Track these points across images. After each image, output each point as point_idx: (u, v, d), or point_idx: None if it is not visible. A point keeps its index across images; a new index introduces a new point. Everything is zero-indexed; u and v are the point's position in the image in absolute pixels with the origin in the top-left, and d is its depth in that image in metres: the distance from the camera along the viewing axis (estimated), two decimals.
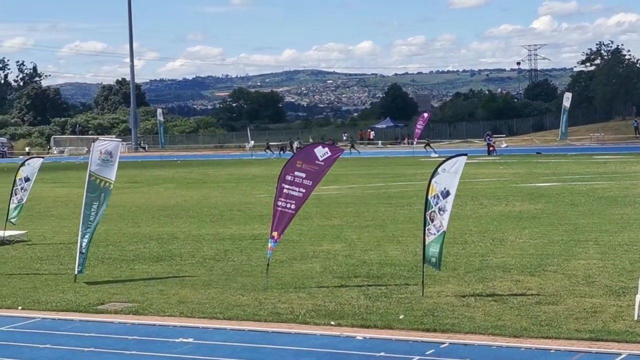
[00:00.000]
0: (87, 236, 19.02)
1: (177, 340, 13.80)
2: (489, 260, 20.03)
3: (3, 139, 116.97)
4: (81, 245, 18.97)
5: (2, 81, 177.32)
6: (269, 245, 17.70)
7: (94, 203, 19.14)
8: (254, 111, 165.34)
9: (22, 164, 26.77)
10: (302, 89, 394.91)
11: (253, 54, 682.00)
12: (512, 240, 23.20)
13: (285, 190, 17.41)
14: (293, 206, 17.41)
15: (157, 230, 27.83)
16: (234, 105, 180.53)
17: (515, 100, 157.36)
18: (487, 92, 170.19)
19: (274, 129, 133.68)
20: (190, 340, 13.78)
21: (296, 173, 17.40)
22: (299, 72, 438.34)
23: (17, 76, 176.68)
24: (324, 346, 13.17)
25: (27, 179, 26.22)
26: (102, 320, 15.49)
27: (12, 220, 26.09)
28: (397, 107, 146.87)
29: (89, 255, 19.79)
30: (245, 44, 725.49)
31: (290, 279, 18.46)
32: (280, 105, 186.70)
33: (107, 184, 19.25)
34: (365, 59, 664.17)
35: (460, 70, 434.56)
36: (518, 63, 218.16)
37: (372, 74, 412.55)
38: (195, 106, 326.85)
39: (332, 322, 14.52)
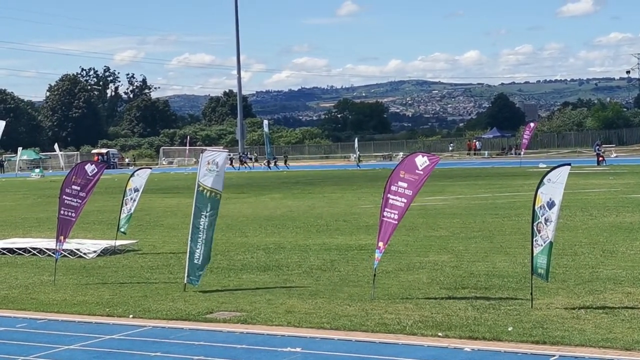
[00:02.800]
0: (201, 247, 19.19)
1: (284, 350, 13.88)
2: (599, 272, 19.66)
3: (113, 150, 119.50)
4: (193, 256, 19.20)
5: (113, 93, 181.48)
6: (376, 255, 17.70)
7: (202, 213, 19.37)
8: (359, 122, 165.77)
9: (132, 175, 27.35)
10: (407, 99, 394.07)
11: (358, 64, 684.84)
12: (622, 251, 22.73)
13: (390, 201, 17.39)
14: (396, 216, 17.38)
15: (264, 240, 28.07)
16: (339, 116, 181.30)
17: (625, 109, 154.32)
18: (596, 101, 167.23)
19: (379, 140, 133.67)
20: (298, 349, 13.84)
21: (399, 183, 17.37)
22: (404, 82, 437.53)
23: (127, 88, 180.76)
24: (431, 357, 13.09)
25: (136, 190, 26.79)
26: (211, 328, 15.68)
27: (123, 230, 26.66)
28: (503, 117, 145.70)
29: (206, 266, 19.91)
30: (351, 54, 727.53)
31: (397, 290, 18.42)
32: (385, 115, 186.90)
33: (215, 194, 19.46)
34: (472, 68, 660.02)
35: (568, 79, 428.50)
36: (627, 72, 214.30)
37: (479, 84, 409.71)
38: (300, 117, 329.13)
39: (440, 334, 14.43)
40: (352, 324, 15.36)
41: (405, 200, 17.28)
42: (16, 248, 26.76)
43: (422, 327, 14.89)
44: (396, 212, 17.29)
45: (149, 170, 28.66)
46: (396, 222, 17.39)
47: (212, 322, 16.15)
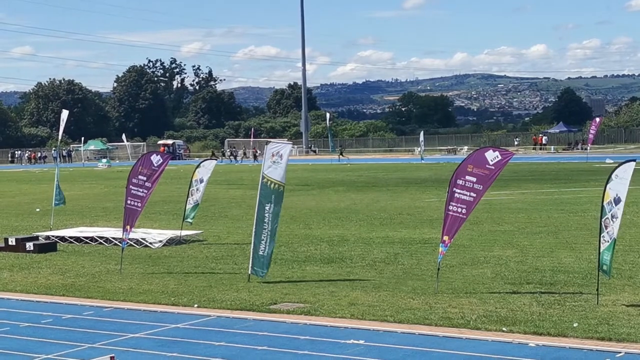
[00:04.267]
0: (264, 239, 19.28)
1: (348, 342, 13.91)
2: None
3: (179, 142, 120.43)
4: (258, 247, 19.30)
5: (179, 85, 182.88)
6: (440, 249, 17.63)
7: (266, 205, 19.45)
8: (424, 115, 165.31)
9: (198, 166, 27.61)
10: (473, 93, 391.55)
11: (423, 58, 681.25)
12: None
13: (456, 195, 17.31)
14: (464, 210, 17.29)
15: (328, 232, 28.12)
16: (403, 109, 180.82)
17: None
18: None
19: (444, 133, 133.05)
20: (361, 342, 13.86)
21: (467, 177, 17.27)
22: (470, 75, 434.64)
23: (193, 80, 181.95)
24: (495, 352, 13.02)
25: (201, 180, 27.04)
26: (275, 319, 15.76)
27: (189, 220, 26.90)
28: (570, 112, 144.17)
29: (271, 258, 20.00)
30: (416, 47, 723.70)
31: (460, 284, 18.35)
32: (449, 109, 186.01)
33: (278, 186, 19.53)
34: (538, 62, 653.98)
35: (636, 74, 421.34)
36: None
37: (545, 78, 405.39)
38: (364, 110, 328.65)
39: (504, 329, 14.35)
40: (415, 318, 15.34)
41: (474, 195, 17.17)
42: (83, 237, 27.14)
43: (486, 322, 14.81)
44: (464, 206, 17.20)
45: (214, 161, 28.99)
46: (464, 217, 17.30)
47: (276, 313, 16.23)
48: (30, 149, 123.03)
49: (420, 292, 17.52)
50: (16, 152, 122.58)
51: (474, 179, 17.22)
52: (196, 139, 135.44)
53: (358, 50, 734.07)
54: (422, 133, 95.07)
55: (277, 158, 19.62)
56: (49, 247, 25.57)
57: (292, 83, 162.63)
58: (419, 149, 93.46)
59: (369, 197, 41.74)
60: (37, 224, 32.69)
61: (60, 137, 32.67)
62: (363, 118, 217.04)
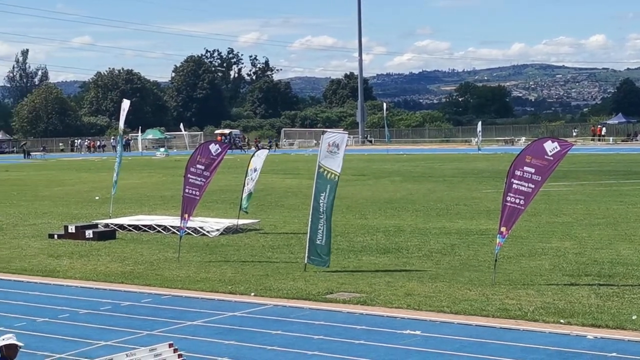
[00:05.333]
0: (321, 228, 19.32)
1: (404, 332, 13.90)
2: None
3: (236, 131, 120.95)
4: (315, 237, 19.35)
5: (236, 75, 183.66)
6: (497, 240, 17.53)
7: (322, 194, 19.48)
8: (481, 105, 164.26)
9: (253, 156, 27.84)
10: (530, 83, 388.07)
11: (481, 47, 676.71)
12: None
13: (514, 186, 17.20)
14: (522, 202, 17.18)
15: (384, 222, 28.09)
16: (460, 99, 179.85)
17: None
18: None
19: (501, 124, 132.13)
20: (418, 332, 13.84)
21: (525, 168, 17.15)
22: (527, 66, 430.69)
23: (250, 70, 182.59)
24: (553, 344, 12.93)
25: (255, 170, 27.25)
26: (331, 309, 15.80)
27: (245, 209, 27.06)
28: (629, 103, 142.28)
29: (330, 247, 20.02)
30: (473, 37, 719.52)
31: (518, 276, 18.24)
32: (507, 99, 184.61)
33: (333, 175, 19.54)
34: (597, 52, 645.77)
35: None
36: None
37: (604, 69, 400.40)
38: (421, 100, 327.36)
39: (562, 321, 14.24)
40: (472, 309, 15.28)
41: (533, 186, 17.06)
42: (142, 225, 27.40)
43: (544, 314, 14.72)
44: (522, 197, 17.08)
45: (267, 151, 29.33)
46: (522, 208, 17.18)
47: (332, 303, 16.27)
48: (90, 138, 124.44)
49: (477, 284, 17.44)
50: (76, 141, 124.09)
51: (533, 170, 17.10)
52: (253, 128, 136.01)
53: (415, 40, 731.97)
54: (479, 123, 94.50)
55: (334, 148, 19.64)
56: (108, 234, 25.87)
57: (348, 73, 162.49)
58: (476, 139, 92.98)
59: (426, 188, 41.61)
60: (97, 211, 33.06)
61: (122, 127, 32.92)
62: (419, 108, 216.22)
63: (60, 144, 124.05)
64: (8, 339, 8.94)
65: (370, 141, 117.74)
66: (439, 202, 34.15)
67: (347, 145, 20.31)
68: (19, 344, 8.98)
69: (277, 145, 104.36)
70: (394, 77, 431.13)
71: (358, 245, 23.30)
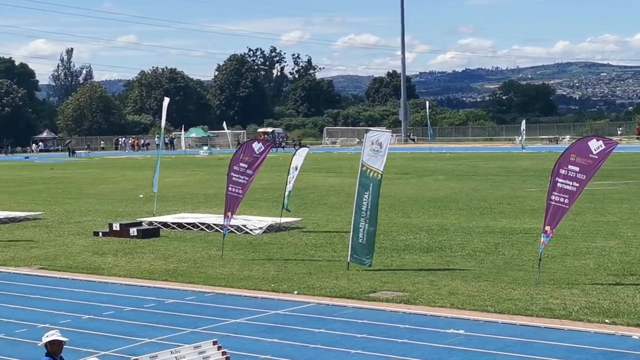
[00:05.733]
0: (363, 227, 19.31)
1: (447, 331, 13.85)
2: None
3: (279, 130, 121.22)
4: (357, 235, 19.34)
5: (279, 73, 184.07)
6: (542, 239, 17.42)
7: (365, 193, 19.48)
8: (524, 104, 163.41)
9: (294, 154, 27.92)
10: (575, 81, 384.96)
11: (524, 45, 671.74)
12: None
13: (559, 184, 17.08)
14: (567, 200, 17.05)
15: (427, 221, 28.01)
16: (504, 98, 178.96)
17: None
18: None
19: (545, 122, 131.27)
20: (461, 331, 13.79)
21: (570, 167, 17.02)
22: (572, 64, 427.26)
23: (292, 69, 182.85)
24: (598, 344, 12.83)
25: (296, 168, 27.33)
26: (374, 307, 15.78)
27: (287, 207, 27.12)
28: None
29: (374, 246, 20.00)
30: (517, 35, 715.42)
31: (562, 275, 18.11)
32: (551, 98, 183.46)
33: (376, 174, 19.52)
34: None
35: None
36: None
37: None
38: (464, 99, 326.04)
39: (607, 320, 14.12)
40: (516, 308, 15.20)
41: (577, 185, 16.92)
42: (185, 223, 27.55)
43: (589, 314, 14.61)
44: (567, 196, 16.96)
45: (307, 149, 29.41)
46: (567, 207, 17.06)
47: (375, 301, 16.25)
48: (133, 136, 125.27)
49: (521, 283, 17.34)
50: (120, 139, 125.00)
51: (577, 169, 16.97)
52: (295, 127, 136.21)
53: (458, 38, 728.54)
54: (523, 122, 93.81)
55: (377, 146, 19.61)
56: (152, 232, 26.03)
57: (391, 71, 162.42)
58: (520, 137, 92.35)
59: (469, 186, 41.42)
60: (141, 209, 33.28)
61: (163, 125, 33.13)
62: (463, 107, 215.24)
63: (102, 143, 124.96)
64: (52, 335, 9.01)
65: (413, 139, 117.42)
66: (483, 201, 33.98)
67: (389, 144, 20.27)
68: (64, 339, 9.05)
69: (300, 144, 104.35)
70: (437, 75, 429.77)
71: (401, 243, 23.26)
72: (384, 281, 17.98)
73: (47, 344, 8.96)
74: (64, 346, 9.11)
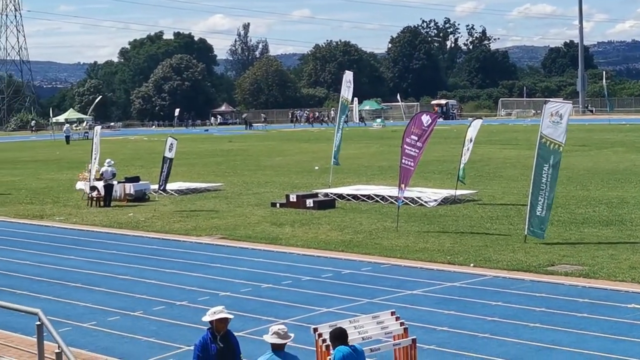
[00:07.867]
0: (542, 199, 19.04)
1: (628, 306, 13.55)
2: None
3: (452, 102, 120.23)
4: (535, 208, 19.08)
5: (453, 45, 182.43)
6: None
7: (544, 165, 19.17)
8: None
9: (469, 126, 27.70)
10: None
11: None
12: None
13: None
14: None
15: (606, 194, 27.33)
16: None
17: None
18: None
19: None
20: None
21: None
22: None
23: (466, 40, 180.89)
24: None
25: (471, 140, 27.11)
26: (553, 281, 15.56)
27: (462, 179, 26.97)
28: None
29: (549, 219, 19.72)
30: None
31: None
32: None
33: (557, 146, 19.18)
34: None
35: None
36: None
37: None
38: None
39: None
40: None
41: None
42: (360, 194, 27.76)
43: None
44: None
45: (481, 120, 29.22)
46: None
47: (554, 275, 16.02)
48: (308, 110, 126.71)
49: None
50: (295, 112, 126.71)
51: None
52: (469, 98, 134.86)
53: (637, 6, 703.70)
54: None
55: (557, 118, 19.27)
56: (327, 204, 26.35)
57: (567, 41, 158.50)
58: None
59: None
60: (316, 181, 33.69)
61: (350, 99, 33.20)
62: None
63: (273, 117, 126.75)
64: (219, 312, 8.70)
65: (591, 111, 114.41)
66: None
67: (569, 116, 19.87)
68: (229, 316, 8.76)
69: (328, 119, 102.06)
70: (616, 44, 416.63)
71: (580, 217, 22.79)
72: (562, 254, 17.69)
73: (212, 321, 8.67)
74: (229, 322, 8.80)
